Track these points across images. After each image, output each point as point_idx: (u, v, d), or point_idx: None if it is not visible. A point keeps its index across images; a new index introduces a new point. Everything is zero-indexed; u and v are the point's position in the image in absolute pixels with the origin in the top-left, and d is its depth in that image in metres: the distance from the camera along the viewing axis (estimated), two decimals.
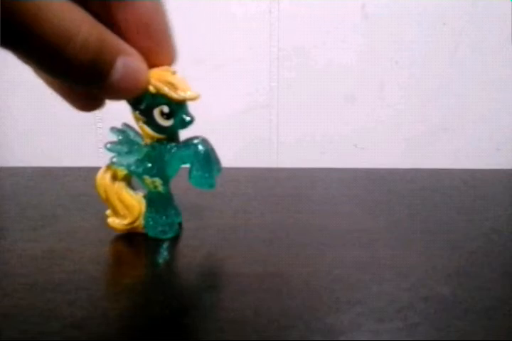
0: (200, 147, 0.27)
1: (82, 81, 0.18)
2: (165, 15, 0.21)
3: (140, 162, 0.28)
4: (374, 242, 0.28)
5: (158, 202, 0.28)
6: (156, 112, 0.26)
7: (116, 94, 0.20)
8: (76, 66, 0.17)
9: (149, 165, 0.27)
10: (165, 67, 0.24)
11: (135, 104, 0.26)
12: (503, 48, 0.48)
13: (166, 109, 0.26)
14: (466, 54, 0.49)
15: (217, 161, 0.28)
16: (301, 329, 0.20)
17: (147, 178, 0.28)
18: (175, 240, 0.29)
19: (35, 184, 0.40)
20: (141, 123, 0.27)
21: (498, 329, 0.20)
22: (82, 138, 0.51)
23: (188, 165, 0.28)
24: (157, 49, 0.22)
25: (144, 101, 0.25)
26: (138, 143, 0.28)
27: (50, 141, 0.51)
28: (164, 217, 0.29)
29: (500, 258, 0.27)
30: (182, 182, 0.28)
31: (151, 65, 0.22)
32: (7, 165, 0.50)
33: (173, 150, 0.27)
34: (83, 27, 0.17)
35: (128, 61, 0.19)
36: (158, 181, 0.28)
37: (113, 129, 0.28)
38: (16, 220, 0.32)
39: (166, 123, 0.26)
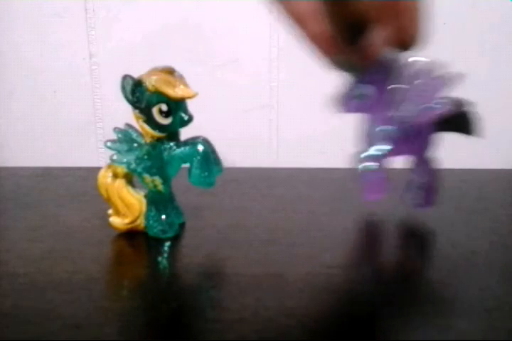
0: (200, 146, 0.27)
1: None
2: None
3: (140, 160, 0.28)
4: (374, 242, 0.28)
5: (159, 201, 0.28)
6: (154, 110, 0.26)
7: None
8: None
9: (149, 163, 0.27)
10: (164, 66, 0.24)
11: (135, 102, 0.26)
12: (503, 48, 0.48)
13: (164, 107, 0.26)
14: (466, 54, 0.49)
15: (218, 162, 0.28)
16: (301, 329, 0.20)
17: (147, 177, 0.28)
18: (175, 240, 0.29)
19: (35, 184, 0.40)
20: (141, 122, 0.27)
21: (498, 329, 0.20)
22: (82, 138, 0.51)
23: (188, 165, 0.28)
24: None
25: (143, 100, 0.26)
26: (138, 142, 0.28)
27: (50, 141, 0.51)
28: (164, 217, 0.29)
29: (500, 258, 0.27)
30: (182, 182, 0.28)
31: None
32: (7, 165, 0.49)
33: (173, 149, 0.27)
34: None
35: None
36: (157, 180, 0.28)
37: (116, 129, 0.29)
38: (16, 220, 0.32)
39: (165, 121, 0.26)
